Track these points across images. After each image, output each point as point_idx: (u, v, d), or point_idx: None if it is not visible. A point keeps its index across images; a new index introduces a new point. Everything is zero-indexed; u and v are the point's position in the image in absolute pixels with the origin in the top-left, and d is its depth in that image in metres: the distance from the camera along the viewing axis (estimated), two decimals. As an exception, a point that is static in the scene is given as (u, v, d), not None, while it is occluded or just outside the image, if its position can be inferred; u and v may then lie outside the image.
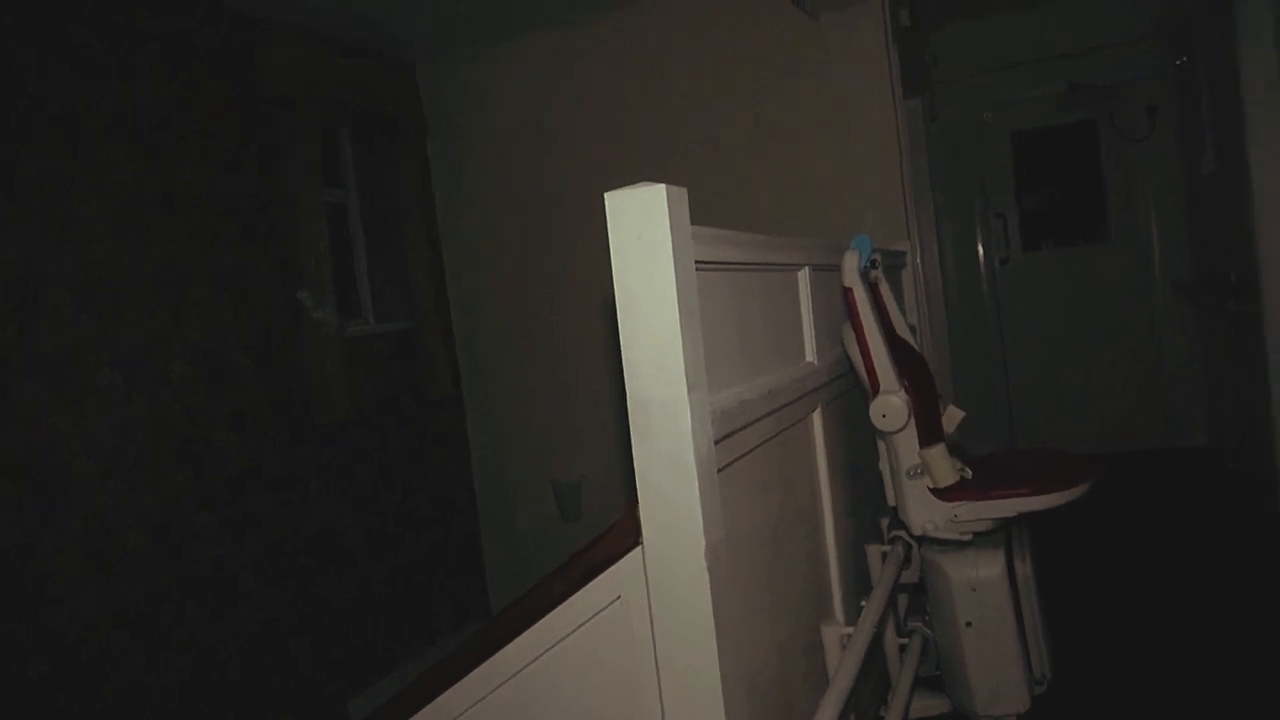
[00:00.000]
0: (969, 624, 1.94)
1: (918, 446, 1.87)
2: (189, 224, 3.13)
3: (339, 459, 3.64)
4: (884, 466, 2.06)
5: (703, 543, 1.08)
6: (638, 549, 1.15)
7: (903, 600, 2.41)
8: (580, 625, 1.25)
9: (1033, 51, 5.16)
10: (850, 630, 1.66)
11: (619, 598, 1.20)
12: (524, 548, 4.37)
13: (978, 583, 1.93)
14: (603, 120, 4.02)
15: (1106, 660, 2.57)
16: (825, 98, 3.54)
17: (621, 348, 1.09)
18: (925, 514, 1.90)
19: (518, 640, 1.31)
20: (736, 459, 1.32)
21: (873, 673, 2.09)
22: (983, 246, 5.51)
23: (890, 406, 1.82)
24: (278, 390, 3.40)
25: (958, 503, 1.88)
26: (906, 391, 1.83)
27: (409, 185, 4.14)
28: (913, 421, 1.84)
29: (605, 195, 1.07)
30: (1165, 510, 3.99)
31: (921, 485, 1.89)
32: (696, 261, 1.13)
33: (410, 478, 4.03)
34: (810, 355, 1.80)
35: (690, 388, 1.06)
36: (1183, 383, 5.05)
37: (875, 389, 1.84)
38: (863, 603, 1.80)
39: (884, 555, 2.06)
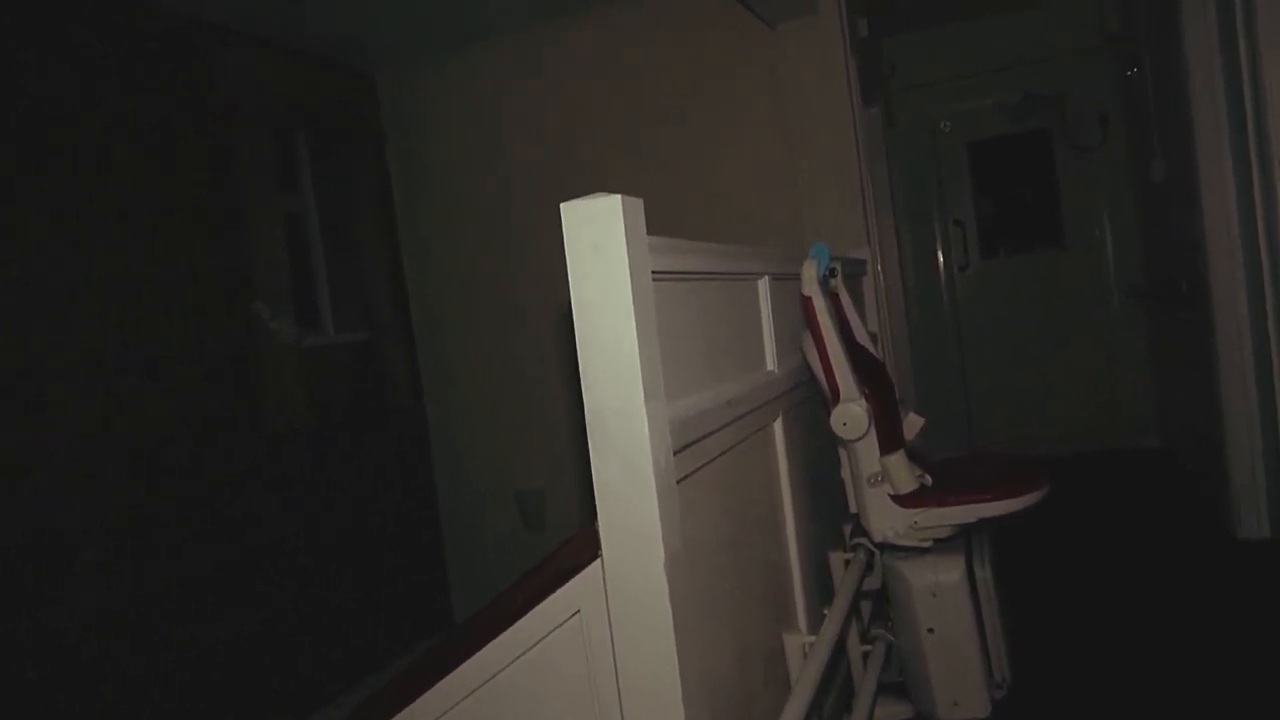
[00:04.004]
0: (930, 630, 1.95)
1: (878, 454, 1.88)
2: (143, 233, 3.07)
3: (298, 471, 3.58)
4: (845, 474, 2.07)
5: (662, 554, 1.07)
6: (597, 562, 1.14)
7: (866, 607, 2.42)
8: (541, 639, 1.24)
9: (987, 61, 5.26)
10: (812, 639, 1.66)
11: (579, 611, 1.19)
12: (488, 557, 4.33)
13: (938, 588, 1.94)
14: (563, 129, 4.01)
15: (1065, 663, 2.60)
16: (784, 106, 3.56)
17: (578, 358, 1.08)
18: (886, 521, 1.91)
19: (478, 655, 1.29)
20: (697, 469, 1.31)
21: (836, 680, 2.09)
22: (942, 253, 5.58)
23: (850, 415, 1.82)
24: (235, 402, 3.34)
25: (918, 509, 1.89)
26: (867, 399, 1.84)
27: (368, 194, 4.10)
28: (873, 429, 1.85)
29: (561, 205, 1.06)
30: (1122, 511, 4.06)
31: (882, 492, 1.90)
32: (653, 271, 1.12)
33: (372, 489, 3.98)
34: (771, 364, 1.80)
35: (647, 398, 1.05)
36: (1138, 386, 5.15)
37: (836, 397, 1.85)
38: (825, 611, 1.80)
39: (846, 563, 2.06)
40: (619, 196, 1.03)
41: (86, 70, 2.94)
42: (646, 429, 1.05)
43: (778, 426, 1.80)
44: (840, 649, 2.08)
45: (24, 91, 2.76)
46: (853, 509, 2.04)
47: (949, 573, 1.94)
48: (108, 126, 2.99)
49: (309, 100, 3.77)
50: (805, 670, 1.50)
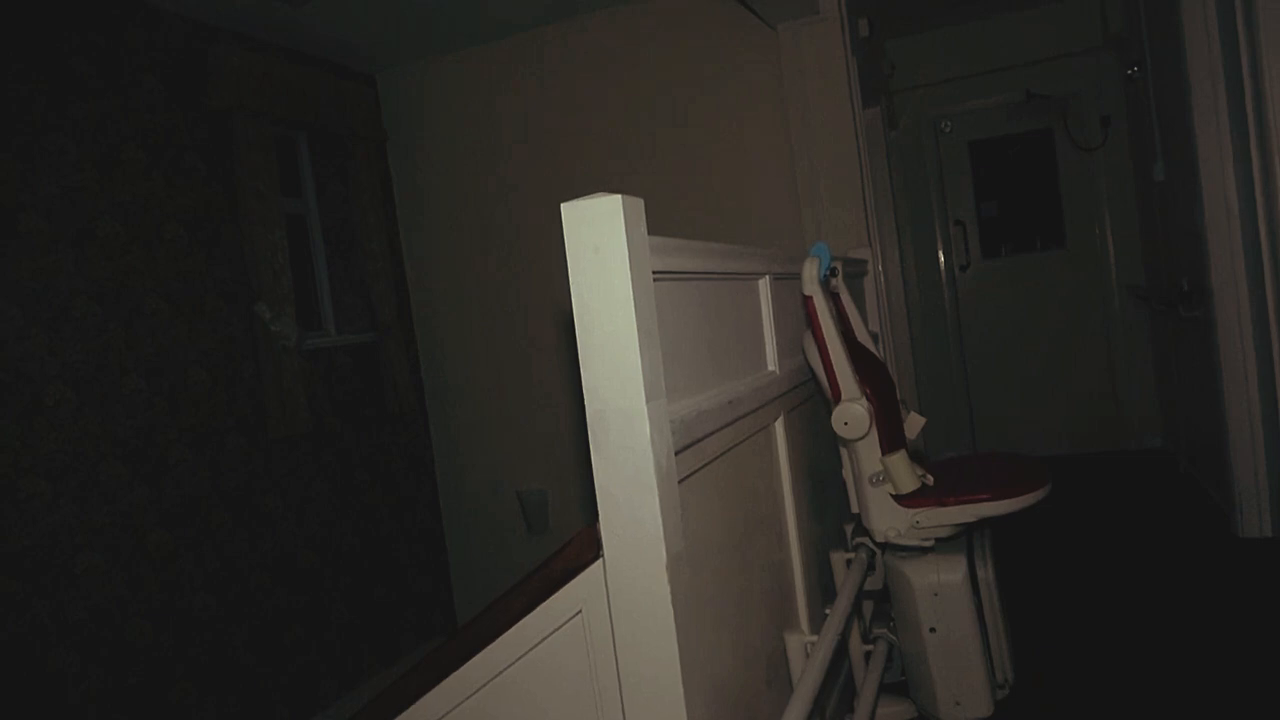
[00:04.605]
0: (932, 629, 1.95)
1: (879, 454, 1.88)
2: (143, 235, 3.07)
3: (299, 474, 3.58)
4: (847, 474, 2.07)
5: (664, 555, 1.07)
6: (598, 562, 1.14)
7: (868, 607, 2.42)
8: (542, 640, 1.24)
9: (988, 61, 5.26)
10: (814, 638, 1.67)
11: (580, 611, 1.19)
12: (491, 560, 4.33)
13: (940, 588, 1.94)
14: (563, 129, 4.02)
15: (1068, 663, 2.60)
16: (785, 106, 3.56)
17: (579, 359, 1.08)
18: (888, 521, 1.91)
19: (479, 656, 1.29)
20: (698, 469, 1.31)
21: (838, 680, 2.10)
22: (943, 253, 5.58)
23: (852, 414, 1.82)
24: (235, 404, 3.34)
25: (919, 509, 1.89)
26: (868, 399, 1.84)
27: (369, 195, 4.10)
28: (874, 429, 1.85)
29: (561, 206, 1.06)
30: (1124, 511, 4.06)
31: (884, 492, 1.90)
32: (654, 272, 1.12)
33: (373, 491, 3.98)
34: (772, 364, 1.80)
35: (648, 399, 1.06)
36: (1138, 386, 5.15)
37: (837, 397, 1.85)
38: (827, 610, 1.80)
39: (848, 562, 2.06)
40: (619, 196, 1.04)
41: (88, 73, 2.95)
42: (648, 429, 1.05)
43: (779, 426, 1.80)
44: (842, 649, 2.08)
45: (24, 93, 2.76)
46: (854, 509, 2.04)
47: (951, 572, 1.94)
48: (109, 129, 3.00)
49: (310, 103, 3.77)
50: (807, 670, 1.51)
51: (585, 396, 1.08)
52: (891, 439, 1.91)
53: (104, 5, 3.02)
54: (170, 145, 3.22)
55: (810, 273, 1.86)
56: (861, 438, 1.85)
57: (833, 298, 2.12)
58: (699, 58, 3.75)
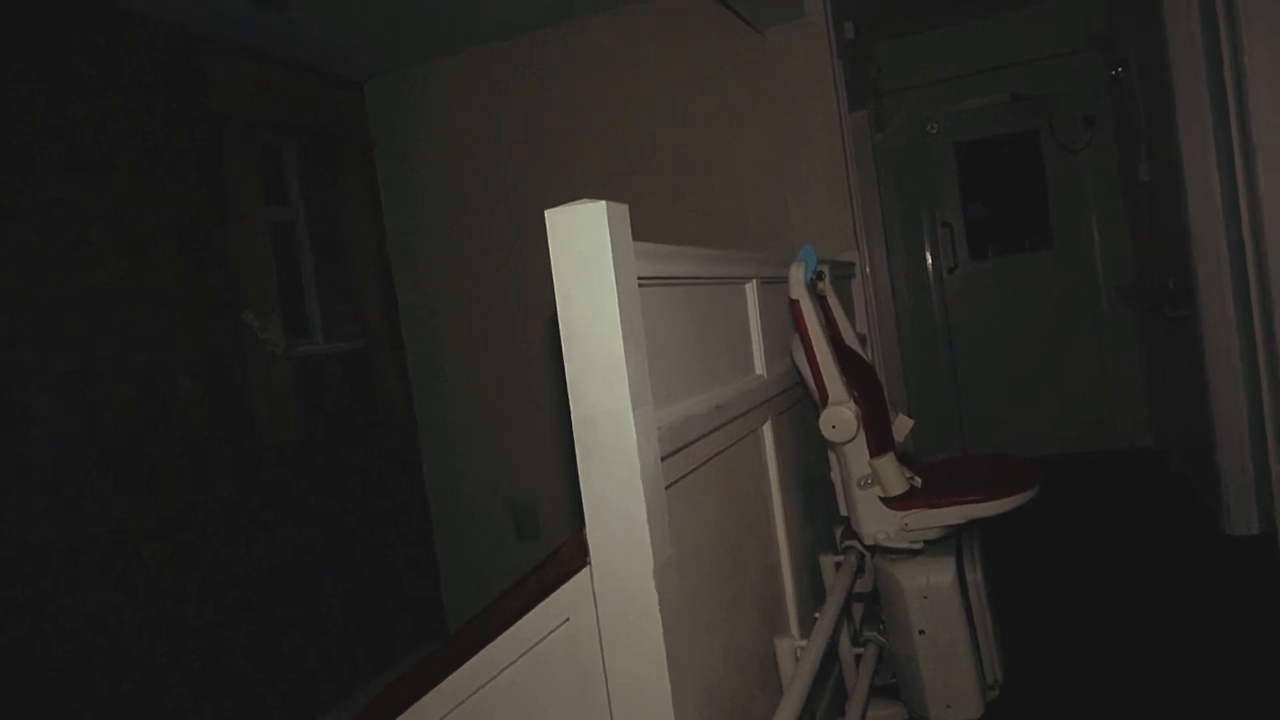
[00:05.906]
0: (922, 631, 1.95)
1: (868, 456, 1.88)
2: (129, 243, 3.06)
3: (290, 480, 3.57)
4: (835, 477, 2.08)
5: (651, 561, 1.07)
6: (585, 569, 1.14)
7: (858, 609, 2.43)
8: (529, 649, 1.24)
9: (974, 63, 5.28)
10: (804, 643, 1.67)
11: (568, 620, 1.19)
12: (481, 567, 4.32)
13: (930, 590, 1.94)
14: (551, 135, 4.01)
15: (1058, 663, 2.60)
16: (771, 110, 3.57)
17: (565, 365, 1.08)
18: (877, 523, 1.92)
19: (468, 664, 1.29)
20: (685, 474, 1.31)
21: (829, 683, 2.10)
22: (930, 255, 5.59)
23: (839, 417, 1.83)
24: (224, 414, 3.32)
25: (908, 511, 1.90)
26: (856, 402, 1.84)
27: (357, 202, 4.09)
28: (862, 432, 1.86)
29: (546, 212, 1.06)
30: (1114, 510, 4.07)
31: (872, 495, 1.91)
32: (640, 277, 1.13)
33: (363, 499, 3.97)
34: (759, 368, 1.81)
35: (635, 404, 1.06)
36: (1128, 385, 5.17)
37: (824, 400, 1.85)
38: (817, 614, 1.80)
39: (837, 565, 2.07)
40: (604, 203, 1.04)
41: (75, 80, 2.93)
42: (634, 435, 1.05)
43: (767, 430, 1.80)
44: (832, 652, 2.08)
45: (11, 101, 2.75)
46: (843, 511, 2.05)
47: (940, 574, 1.94)
48: (97, 137, 2.99)
49: (298, 109, 3.77)
50: (796, 675, 1.51)
51: (571, 402, 1.08)
52: (879, 441, 1.91)
53: (94, 12, 3.01)
54: (168, 149, 3.21)
55: (797, 276, 1.86)
56: (849, 440, 1.85)
57: (820, 301, 2.12)
58: (699, 59, 3.76)
